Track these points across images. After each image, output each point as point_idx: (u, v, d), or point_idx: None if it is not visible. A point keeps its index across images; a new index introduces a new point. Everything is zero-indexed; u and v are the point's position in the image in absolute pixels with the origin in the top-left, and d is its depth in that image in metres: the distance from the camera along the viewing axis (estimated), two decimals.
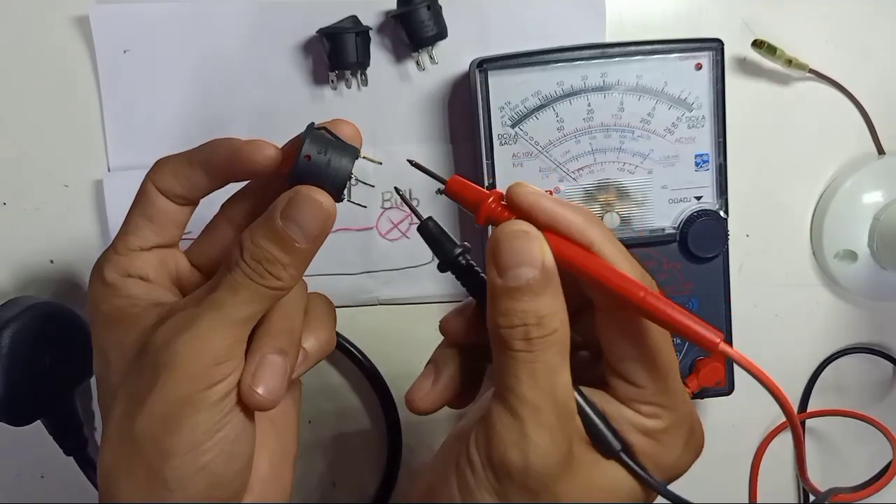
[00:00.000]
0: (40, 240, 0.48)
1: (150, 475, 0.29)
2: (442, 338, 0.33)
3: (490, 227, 0.29)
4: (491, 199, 0.29)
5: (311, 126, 0.30)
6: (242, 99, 0.48)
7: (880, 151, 0.51)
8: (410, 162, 0.30)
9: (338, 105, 0.48)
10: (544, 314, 0.27)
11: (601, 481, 0.29)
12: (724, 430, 0.54)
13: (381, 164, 0.32)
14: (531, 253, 0.28)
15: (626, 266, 0.28)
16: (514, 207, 0.29)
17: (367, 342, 0.50)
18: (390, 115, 0.48)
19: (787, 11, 0.50)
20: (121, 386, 0.30)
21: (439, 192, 0.31)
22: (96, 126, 0.47)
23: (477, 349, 0.32)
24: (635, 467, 0.29)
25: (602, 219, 0.45)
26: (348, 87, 0.47)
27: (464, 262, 0.31)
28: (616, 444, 0.29)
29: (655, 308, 0.27)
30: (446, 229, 0.31)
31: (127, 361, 0.30)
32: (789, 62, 0.49)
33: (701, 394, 0.47)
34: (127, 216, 0.33)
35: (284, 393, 0.31)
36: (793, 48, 0.49)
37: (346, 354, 0.50)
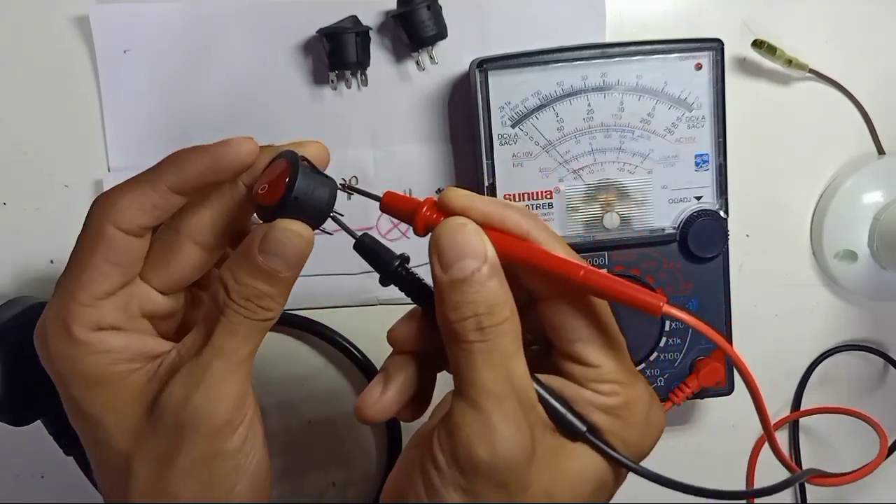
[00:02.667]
0: (40, 240, 0.48)
1: None
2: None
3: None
4: (425, 208, 0.30)
5: (297, 159, 0.29)
6: (242, 99, 0.48)
7: (880, 151, 0.51)
8: (343, 186, 0.30)
9: (338, 105, 0.48)
10: (493, 303, 0.28)
11: (569, 466, 0.29)
12: (724, 430, 0.54)
13: (351, 195, 0.32)
14: (473, 244, 0.28)
15: (561, 251, 0.29)
16: (449, 212, 0.29)
17: (367, 342, 0.50)
18: (390, 115, 0.48)
19: (787, 11, 0.50)
20: (136, 450, 0.29)
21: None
22: (96, 126, 0.47)
23: (427, 358, 0.32)
24: (602, 445, 0.29)
25: (602, 219, 0.45)
26: (348, 87, 0.47)
27: (403, 271, 0.31)
28: (581, 426, 0.29)
29: (597, 282, 0.28)
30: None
31: (132, 425, 0.29)
32: (789, 62, 0.49)
33: (701, 394, 0.47)
34: (80, 259, 0.30)
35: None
36: (793, 48, 0.49)
37: (345, 354, 0.50)
